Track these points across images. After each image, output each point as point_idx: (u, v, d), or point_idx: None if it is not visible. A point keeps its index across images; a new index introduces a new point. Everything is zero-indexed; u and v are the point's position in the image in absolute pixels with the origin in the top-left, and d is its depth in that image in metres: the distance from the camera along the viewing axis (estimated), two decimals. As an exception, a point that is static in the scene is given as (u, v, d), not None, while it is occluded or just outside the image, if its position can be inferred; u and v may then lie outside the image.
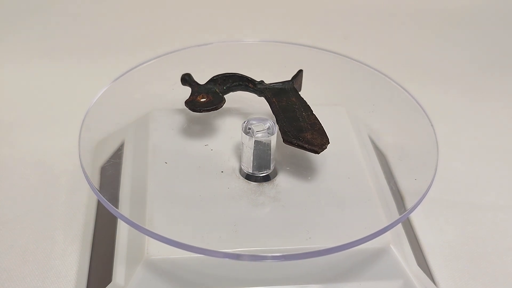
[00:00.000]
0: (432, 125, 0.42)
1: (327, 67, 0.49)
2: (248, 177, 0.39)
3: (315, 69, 0.49)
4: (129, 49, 0.69)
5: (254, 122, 0.39)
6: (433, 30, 0.75)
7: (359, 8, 0.78)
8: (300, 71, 0.42)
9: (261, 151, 0.38)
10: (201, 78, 0.44)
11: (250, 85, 0.42)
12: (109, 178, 0.43)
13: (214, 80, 0.43)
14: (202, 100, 0.41)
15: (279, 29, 0.74)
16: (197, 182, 0.39)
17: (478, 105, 0.63)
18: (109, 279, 0.38)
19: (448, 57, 0.71)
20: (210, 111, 0.40)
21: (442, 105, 0.62)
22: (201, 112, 0.40)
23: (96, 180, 0.44)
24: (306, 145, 0.36)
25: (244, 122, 0.39)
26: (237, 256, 0.33)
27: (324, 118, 0.44)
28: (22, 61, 0.66)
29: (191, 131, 0.43)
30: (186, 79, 0.43)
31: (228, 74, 0.43)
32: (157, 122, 0.44)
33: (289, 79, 0.43)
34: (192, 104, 0.41)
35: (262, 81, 0.42)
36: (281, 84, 0.42)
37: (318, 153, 0.36)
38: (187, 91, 0.43)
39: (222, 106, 0.40)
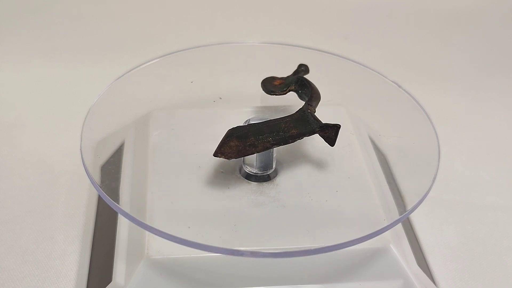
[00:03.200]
0: (433, 125, 0.42)
1: (327, 68, 0.49)
2: (248, 177, 0.39)
3: (315, 70, 0.49)
4: (129, 49, 0.69)
5: (255, 122, 0.39)
6: (433, 30, 0.75)
7: (359, 8, 0.78)
8: (337, 127, 0.37)
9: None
10: (201, 79, 0.44)
11: (307, 101, 0.40)
12: (109, 177, 0.43)
13: (299, 78, 0.43)
14: (274, 83, 0.43)
15: (279, 30, 0.74)
16: (197, 182, 0.39)
17: (478, 105, 0.63)
18: (109, 279, 0.38)
19: (448, 57, 0.71)
20: (264, 91, 0.43)
21: (442, 105, 0.62)
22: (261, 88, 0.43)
23: (96, 179, 0.44)
24: (220, 143, 0.37)
25: (246, 121, 0.39)
26: (235, 252, 0.33)
27: (324, 118, 0.44)
28: (22, 61, 0.66)
29: (192, 131, 0.43)
30: (298, 67, 0.44)
31: (308, 84, 0.42)
32: (157, 122, 0.44)
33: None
34: (266, 80, 0.44)
35: (312, 107, 0.40)
36: (313, 120, 0.38)
37: (214, 155, 0.37)
38: (187, 91, 0.43)
39: (270, 94, 0.43)
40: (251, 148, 0.37)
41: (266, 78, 0.44)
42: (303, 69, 0.44)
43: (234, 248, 0.33)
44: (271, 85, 0.43)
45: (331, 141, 0.38)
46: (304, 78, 0.43)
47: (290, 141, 0.37)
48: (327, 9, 0.77)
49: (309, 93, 0.41)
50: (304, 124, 0.38)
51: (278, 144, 0.37)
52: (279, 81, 0.44)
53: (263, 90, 0.43)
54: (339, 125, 0.37)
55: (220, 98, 0.44)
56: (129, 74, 0.46)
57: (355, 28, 0.75)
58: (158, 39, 0.71)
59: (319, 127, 0.37)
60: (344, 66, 0.48)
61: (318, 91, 0.41)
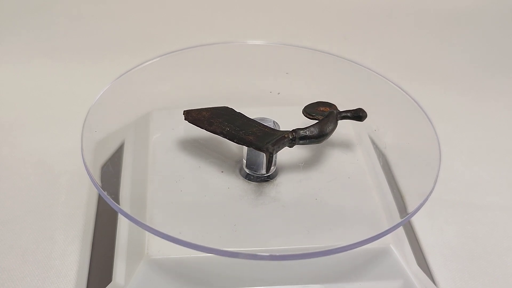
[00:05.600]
0: (432, 125, 0.42)
1: (327, 68, 0.49)
2: (248, 177, 0.39)
3: (316, 70, 0.49)
4: (129, 49, 0.69)
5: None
6: (433, 30, 0.75)
7: (359, 8, 0.78)
8: (270, 152, 0.36)
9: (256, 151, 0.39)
10: (201, 78, 0.44)
11: (298, 128, 0.39)
12: (109, 178, 0.43)
13: (330, 113, 0.40)
14: (318, 108, 0.42)
15: (279, 30, 0.74)
16: (197, 182, 0.39)
17: (478, 105, 0.63)
18: (109, 279, 0.38)
19: (448, 57, 0.71)
20: (304, 114, 0.42)
21: (442, 105, 0.62)
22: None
23: (96, 179, 0.44)
24: (202, 108, 0.40)
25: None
26: (235, 254, 0.33)
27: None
28: (22, 61, 0.66)
29: (192, 131, 0.43)
30: (356, 110, 0.41)
31: (325, 120, 0.40)
32: (157, 122, 0.44)
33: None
34: (319, 102, 0.42)
35: (294, 134, 0.38)
36: (272, 141, 0.37)
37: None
38: (186, 90, 0.43)
39: (302, 112, 0.42)
40: (205, 124, 0.39)
41: (322, 101, 0.42)
42: (355, 114, 0.41)
43: (234, 251, 0.33)
44: (313, 107, 0.42)
45: (267, 166, 0.37)
46: (332, 114, 0.40)
47: (236, 141, 0.38)
48: (327, 9, 0.77)
49: (329, 126, 0.39)
50: (265, 139, 0.37)
51: (225, 136, 0.38)
52: (326, 108, 0.41)
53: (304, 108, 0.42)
54: (272, 153, 0.36)
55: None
56: (129, 74, 0.46)
57: (355, 28, 0.75)
58: (158, 39, 0.71)
59: (263, 148, 0.36)
60: (344, 66, 0.48)
61: (322, 130, 0.39)
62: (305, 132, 0.38)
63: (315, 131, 0.39)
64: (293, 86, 0.49)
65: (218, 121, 0.39)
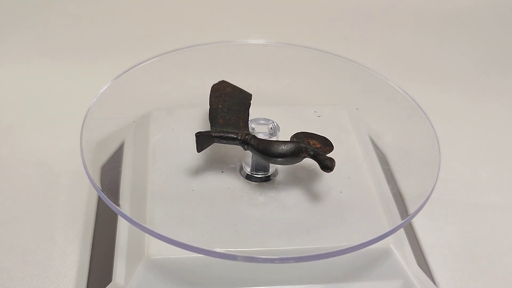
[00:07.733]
0: (432, 125, 0.42)
1: (327, 68, 0.49)
2: (248, 177, 0.39)
3: (316, 70, 0.49)
4: (129, 49, 0.69)
5: (257, 122, 0.40)
6: (433, 30, 0.75)
7: (359, 8, 0.78)
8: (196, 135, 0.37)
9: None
10: (201, 77, 0.44)
11: (255, 137, 0.38)
12: (109, 178, 0.43)
13: (292, 145, 0.37)
14: (308, 139, 0.38)
15: (279, 30, 0.74)
16: (197, 182, 0.39)
17: (478, 105, 0.63)
18: (109, 279, 0.38)
19: (448, 57, 0.71)
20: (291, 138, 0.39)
21: (442, 105, 0.62)
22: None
23: (96, 180, 0.44)
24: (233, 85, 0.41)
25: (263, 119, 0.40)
26: (234, 257, 0.33)
27: (324, 118, 0.44)
28: (22, 61, 0.66)
29: (192, 131, 0.43)
30: (324, 159, 0.37)
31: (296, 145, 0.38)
32: (157, 122, 0.44)
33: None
34: (307, 134, 0.39)
35: (252, 141, 0.37)
36: (220, 131, 0.38)
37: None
38: (186, 90, 0.43)
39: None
40: (215, 95, 0.41)
41: (324, 137, 0.39)
42: (322, 160, 0.36)
43: (233, 253, 0.33)
44: (304, 137, 0.38)
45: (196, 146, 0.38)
46: (298, 144, 0.37)
47: (209, 117, 0.39)
48: (327, 9, 0.77)
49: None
50: (226, 128, 0.38)
51: (210, 110, 0.40)
52: (316, 143, 0.38)
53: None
54: (199, 136, 0.38)
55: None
56: (129, 73, 0.46)
57: (355, 28, 0.75)
58: (158, 38, 0.71)
59: (210, 130, 0.38)
60: (344, 66, 0.48)
61: (272, 149, 0.36)
62: (255, 142, 0.37)
63: (264, 146, 0.36)
64: (293, 86, 0.49)
65: (225, 98, 0.41)
